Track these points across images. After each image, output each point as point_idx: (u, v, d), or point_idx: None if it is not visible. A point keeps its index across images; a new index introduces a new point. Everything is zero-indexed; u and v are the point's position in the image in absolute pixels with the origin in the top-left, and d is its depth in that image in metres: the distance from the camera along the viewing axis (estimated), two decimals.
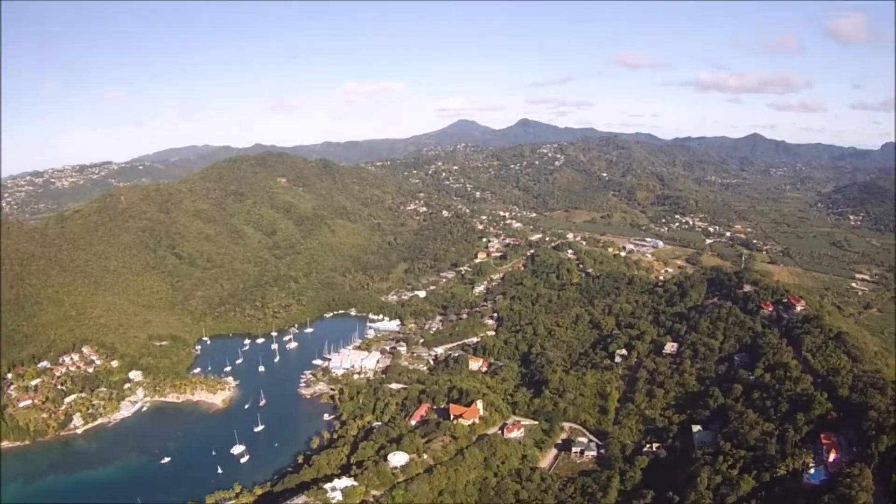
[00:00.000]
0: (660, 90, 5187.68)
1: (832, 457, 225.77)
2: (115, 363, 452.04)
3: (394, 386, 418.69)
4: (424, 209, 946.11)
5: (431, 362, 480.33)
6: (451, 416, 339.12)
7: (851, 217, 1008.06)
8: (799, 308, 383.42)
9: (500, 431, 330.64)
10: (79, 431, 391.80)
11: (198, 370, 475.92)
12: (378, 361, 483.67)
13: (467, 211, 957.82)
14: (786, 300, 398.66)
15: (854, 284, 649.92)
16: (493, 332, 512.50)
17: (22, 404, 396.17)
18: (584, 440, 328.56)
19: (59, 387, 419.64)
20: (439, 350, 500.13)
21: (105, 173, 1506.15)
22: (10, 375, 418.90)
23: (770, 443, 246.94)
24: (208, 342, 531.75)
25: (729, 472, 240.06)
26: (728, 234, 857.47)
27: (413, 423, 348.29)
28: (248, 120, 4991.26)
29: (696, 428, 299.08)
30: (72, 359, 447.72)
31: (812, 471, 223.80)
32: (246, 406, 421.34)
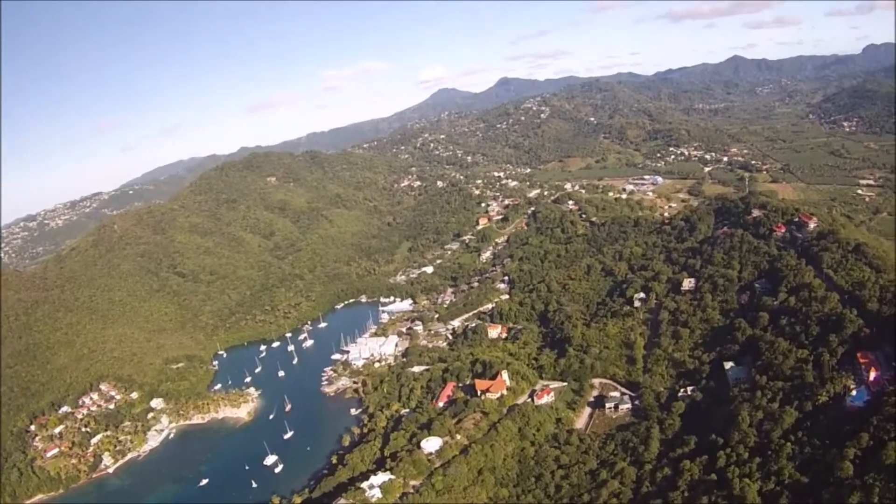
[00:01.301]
0: (635, 28, 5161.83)
1: (872, 375, 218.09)
2: (134, 395, 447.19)
3: (416, 369, 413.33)
4: (418, 183, 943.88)
5: (450, 336, 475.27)
6: (478, 392, 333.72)
7: (845, 124, 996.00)
8: (812, 225, 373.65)
9: (530, 399, 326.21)
10: (110, 471, 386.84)
11: (218, 386, 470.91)
12: (396, 345, 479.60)
13: (461, 178, 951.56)
14: (797, 219, 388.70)
15: (860, 191, 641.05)
16: (507, 296, 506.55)
17: (49, 454, 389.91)
18: (617, 394, 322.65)
19: (83, 429, 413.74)
20: (456, 323, 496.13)
21: (97, 204, 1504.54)
22: (32, 427, 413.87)
23: (806, 370, 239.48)
24: (224, 355, 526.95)
25: (769, 406, 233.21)
26: (725, 158, 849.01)
27: (441, 404, 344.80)
28: (231, 125, 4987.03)
29: (728, 365, 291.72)
30: (91, 398, 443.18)
31: (854, 392, 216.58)
32: (270, 416, 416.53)
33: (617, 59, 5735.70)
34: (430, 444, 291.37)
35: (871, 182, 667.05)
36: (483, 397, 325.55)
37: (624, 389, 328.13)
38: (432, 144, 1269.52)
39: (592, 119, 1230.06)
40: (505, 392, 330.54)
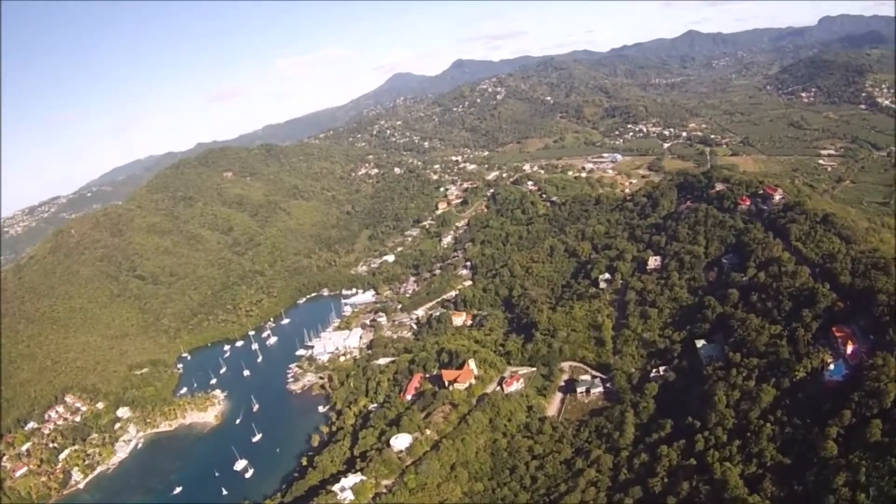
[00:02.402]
0: (590, 5, 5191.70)
1: (849, 349, 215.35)
2: (100, 405, 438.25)
3: (381, 361, 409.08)
4: (376, 171, 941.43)
5: (414, 326, 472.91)
6: (446, 383, 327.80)
7: (803, 95, 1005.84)
8: (778, 197, 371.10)
9: (499, 387, 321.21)
10: (81, 486, 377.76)
11: (184, 390, 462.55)
12: (361, 338, 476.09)
13: (419, 163, 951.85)
14: (762, 192, 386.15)
15: (821, 161, 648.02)
16: (470, 282, 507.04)
17: (19, 473, 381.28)
18: (588, 378, 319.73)
19: (50, 445, 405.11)
20: (420, 312, 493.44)
21: (55, 209, 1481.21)
22: (0, 446, 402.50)
23: (781, 346, 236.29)
24: (189, 358, 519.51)
25: (745, 385, 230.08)
26: (684, 133, 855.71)
27: (409, 397, 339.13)
28: (188, 120, 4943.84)
29: (699, 343, 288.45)
30: (57, 412, 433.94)
31: (832, 367, 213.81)
32: (238, 420, 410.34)
33: (572, 37, 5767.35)
34: (400, 441, 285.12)
35: (832, 152, 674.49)
36: (451, 388, 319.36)
37: (595, 372, 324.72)
38: (389, 131, 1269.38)
39: (549, 98, 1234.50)
40: (473, 381, 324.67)
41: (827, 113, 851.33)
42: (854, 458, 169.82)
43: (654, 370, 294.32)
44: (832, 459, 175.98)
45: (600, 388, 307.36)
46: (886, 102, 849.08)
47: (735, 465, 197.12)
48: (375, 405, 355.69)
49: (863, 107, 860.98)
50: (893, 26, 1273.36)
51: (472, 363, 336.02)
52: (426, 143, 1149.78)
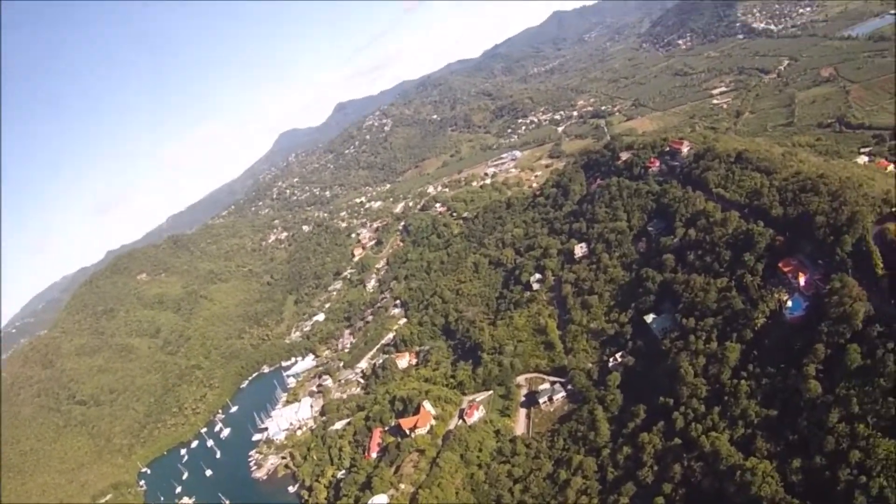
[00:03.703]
0: (454, 15, 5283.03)
1: (802, 281, 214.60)
2: None
3: (338, 425, 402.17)
4: (285, 234, 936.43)
5: (361, 380, 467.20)
6: (407, 431, 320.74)
7: (680, 42, 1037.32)
8: (686, 150, 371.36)
9: (461, 420, 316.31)
10: None
11: None
12: (312, 406, 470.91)
13: (325, 215, 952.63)
14: (668, 148, 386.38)
15: (715, 101, 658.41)
16: (405, 320, 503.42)
17: None
18: (547, 386, 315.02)
19: None
20: (363, 364, 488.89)
21: None
22: None
23: (733, 297, 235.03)
24: (148, 472, 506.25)
25: (708, 348, 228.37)
26: (575, 113, 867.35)
27: (374, 455, 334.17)
28: (90, 233, 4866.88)
29: (649, 318, 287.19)
30: None
31: (790, 303, 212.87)
32: None
33: (444, 51, 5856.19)
34: (378, 502, 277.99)
35: (724, 88, 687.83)
36: (413, 435, 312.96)
37: (553, 378, 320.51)
38: (288, 191, 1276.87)
39: (435, 116, 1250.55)
40: (433, 422, 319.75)
41: (707, 53, 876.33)
42: (840, 390, 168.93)
43: (611, 359, 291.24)
44: (819, 398, 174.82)
45: (562, 393, 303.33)
46: (762, 26, 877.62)
47: (721, 432, 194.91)
48: (343, 471, 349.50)
49: (740, 36, 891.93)
50: None
51: (426, 405, 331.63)
52: (327, 193, 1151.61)
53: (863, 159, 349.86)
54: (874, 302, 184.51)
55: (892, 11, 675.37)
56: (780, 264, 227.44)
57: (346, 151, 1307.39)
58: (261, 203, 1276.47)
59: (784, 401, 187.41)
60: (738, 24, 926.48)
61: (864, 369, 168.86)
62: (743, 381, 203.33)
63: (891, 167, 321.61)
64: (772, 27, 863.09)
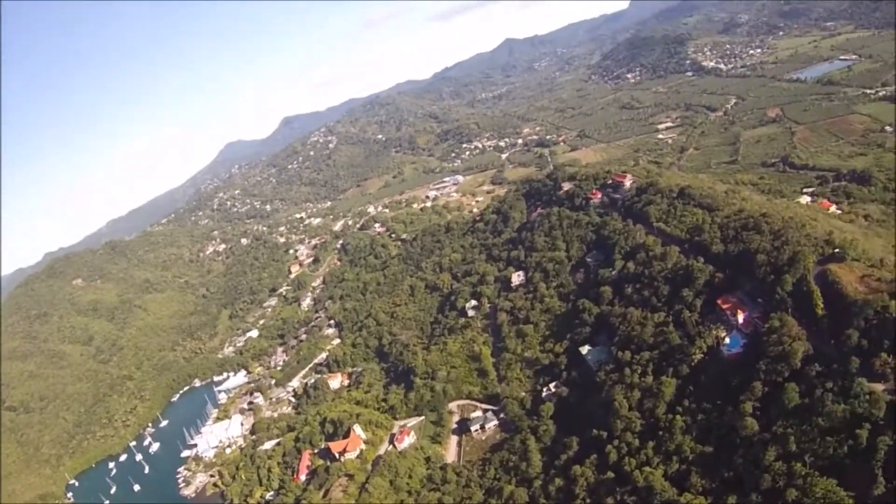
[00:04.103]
0: (409, 36, 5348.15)
1: (741, 318, 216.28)
2: None
3: (267, 445, 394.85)
4: (223, 246, 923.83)
5: (293, 399, 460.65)
6: (336, 455, 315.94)
7: (629, 76, 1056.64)
8: (628, 183, 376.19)
9: (391, 446, 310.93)
10: None
11: None
12: (242, 424, 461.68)
13: (265, 229, 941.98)
14: (611, 181, 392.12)
15: (661, 136, 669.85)
16: (338, 340, 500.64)
17: None
18: (480, 413, 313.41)
19: None
20: (294, 383, 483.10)
21: None
22: None
23: (670, 332, 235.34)
24: (76, 484, 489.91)
25: (643, 382, 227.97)
26: (520, 141, 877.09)
27: (302, 478, 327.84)
28: (30, 231, 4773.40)
29: (584, 349, 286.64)
30: None
31: (727, 340, 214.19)
32: None
33: (394, 71, 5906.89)
34: None
35: (670, 124, 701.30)
36: (343, 459, 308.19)
37: (485, 406, 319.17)
38: (229, 202, 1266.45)
39: (381, 136, 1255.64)
40: (363, 447, 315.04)
41: (656, 88, 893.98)
42: (778, 428, 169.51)
43: (545, 389, 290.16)
44: (756, 436, 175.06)
45: (495, 422, 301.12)
46: (712, 64, 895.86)
47: (656, 467, 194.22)
48: (272, 493, 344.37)
49: (689, 73, 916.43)
50: None
51: (357, 429, 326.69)
52: (268, 207, 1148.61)
53: (805, 199, 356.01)
54: (813, 342, 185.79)
55: (842, 57, 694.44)
56: (719, 301, 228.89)
57: (290, 166, 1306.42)
58: (201, 213, 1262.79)
59: (720, 437, 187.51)
60: (688, 62, 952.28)
61: (801, 408, 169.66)
62: (678, 417, 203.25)
63: (833, 208, 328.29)
64: (721, 66, 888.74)
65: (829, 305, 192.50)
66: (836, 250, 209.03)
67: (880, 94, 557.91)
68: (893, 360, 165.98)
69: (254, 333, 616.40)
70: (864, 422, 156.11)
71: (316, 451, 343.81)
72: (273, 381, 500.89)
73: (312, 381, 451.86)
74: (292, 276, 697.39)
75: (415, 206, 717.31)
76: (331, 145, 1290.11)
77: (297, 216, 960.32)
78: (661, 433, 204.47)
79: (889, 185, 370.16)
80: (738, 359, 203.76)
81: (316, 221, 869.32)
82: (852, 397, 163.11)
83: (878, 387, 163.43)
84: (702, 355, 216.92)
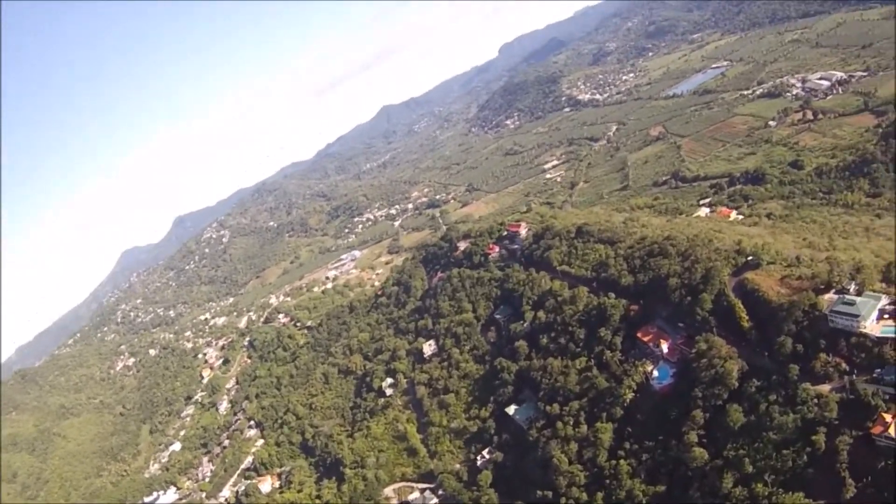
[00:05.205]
0: (285, 117, 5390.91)
1: (665, 347, 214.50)
2: None
3: None
4: (133, 360, 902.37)
5: None
6: None
7: (508, 122, 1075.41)
8: (524, 231, 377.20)
9: None
10: None
11: None
12: None
13: (171, 336, 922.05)
14: (506, 233, 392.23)
15: (549, 175, 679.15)
16: (262, 441, 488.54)
17: None
18: (417, 494, 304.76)
19: None
20: (225, 492, 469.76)
21: None
22: None
23: (595, 376, 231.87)
24: None
25: (578, 432, 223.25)
26: (411, 205, 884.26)
27: None
28: None
29: (511, 410, 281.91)
30: None
31: (656, 373, 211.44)
32: None
33: (274, 155, 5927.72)
34: None
35: (556, 162, 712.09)
36: None
37: (422, 485, 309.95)
38: (132, 313, 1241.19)
39: (272, 223, 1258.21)
40: None
41: (536, 129, 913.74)
42: (729, 452, 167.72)
43: (479, 457, 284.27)
44: (707, 465, 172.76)
45: (434, 500, 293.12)
46: (587, 97, 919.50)
47: None
48: None
49: (567, 109, 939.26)
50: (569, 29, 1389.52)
51: None
52: (171, 312, 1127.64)
53: (704, 211, 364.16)
54: (746, 357, 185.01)
55: (714, 66, 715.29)
56: (639, 334, 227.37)
57: (187, 267, 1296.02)
58: (106, 329, 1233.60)
59: (670, 473, 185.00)
60: (563, 98, 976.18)
61: (749, 427, 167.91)
62: (622, 461, 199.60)
63: (734, 214, 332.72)
64: (598, 96, 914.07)
65: (754, 316, 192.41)
66: (749, 258, 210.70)
67: (757, 92, 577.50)
68: (833, 358, 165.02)
69: (177, 447, 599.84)
70: (817, 426, 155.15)
71: None
72: (204, 495, 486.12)
73: (243, 488, 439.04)
74: (205, 380, 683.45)
75: (315, 289, 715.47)
76: (224, 239, 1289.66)
77: (202, 318, 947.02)
78: (608, 482, 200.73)
79: (784, 178, 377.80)
80: (670, 390, 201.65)
81: (221, 321, 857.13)
82: (800, 404, 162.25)
83: (825, 388, 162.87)
84: (633, 394, 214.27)
